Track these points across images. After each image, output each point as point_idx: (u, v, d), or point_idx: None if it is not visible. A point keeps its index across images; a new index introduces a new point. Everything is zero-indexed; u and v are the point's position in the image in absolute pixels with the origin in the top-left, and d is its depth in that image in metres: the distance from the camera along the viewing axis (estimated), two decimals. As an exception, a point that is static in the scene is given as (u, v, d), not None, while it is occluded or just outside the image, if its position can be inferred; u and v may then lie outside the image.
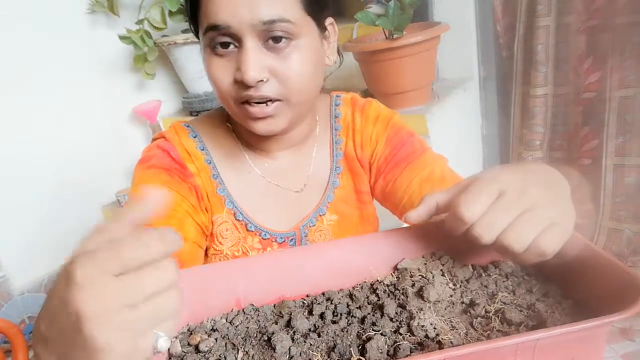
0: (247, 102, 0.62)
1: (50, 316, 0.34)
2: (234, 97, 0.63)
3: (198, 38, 0.67)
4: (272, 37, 0.60)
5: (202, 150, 0.73)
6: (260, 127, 0.64)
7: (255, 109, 0.62)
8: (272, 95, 0.61)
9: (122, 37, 1.74)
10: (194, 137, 0.74)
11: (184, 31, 1.80)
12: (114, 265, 0.32)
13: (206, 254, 0.75)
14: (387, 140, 0.76)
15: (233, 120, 0.76)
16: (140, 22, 1.74)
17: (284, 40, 0.60)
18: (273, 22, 0.59)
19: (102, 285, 0.32)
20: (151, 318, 0.33)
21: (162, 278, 0.33)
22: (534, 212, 0.42)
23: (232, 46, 0.61)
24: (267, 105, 0.62)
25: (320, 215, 0.76)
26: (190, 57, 1.79)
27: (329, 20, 0.69)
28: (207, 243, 0.74)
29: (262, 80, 0.60)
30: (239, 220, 0.73)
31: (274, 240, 0.74)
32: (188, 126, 0.75)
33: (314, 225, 0.76)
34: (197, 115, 1.84)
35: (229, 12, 0.58)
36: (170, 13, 1.71)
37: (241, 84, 0.61)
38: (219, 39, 0.60)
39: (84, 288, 0.31)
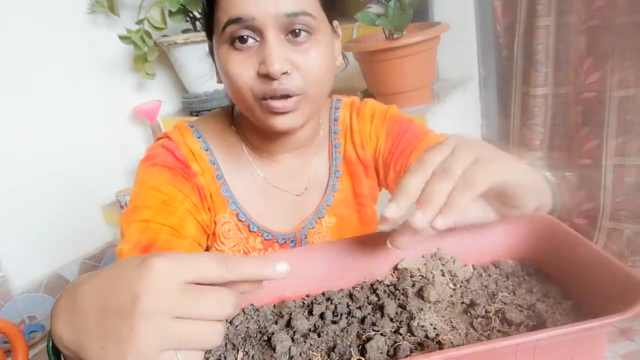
0: (268, 97, 0.62)
1: (102, 288, 0.35)
2: (254, 93, 0.62)
3: (210, 38, 0.67)
4: (293, 30, 0.60)
5: (207, 150, 0.73)
6: (280, 122, 0.63)
7: (277, 103, 0.61)
8: (294, 89, 0.61)
9: (122, 37, 1.74)
10: (198, 138, 0.74)
11: (184, 31, 1.80)
12: (187, 273, 0.34)
13: None
14: (387, 133, 0.77)
15: (238, 123, 0.76)
16: (140, 22, 1.74)
17: (303, 34, 0.61)
18: (296, 14, 0.59)
19: (168, 285, 0.33)
20: (186, 338, 0.33)
21: (217, 308, 0.34)
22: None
23: (251, 40, 0.61)
24: (287, 99, 0.62)
25: (320, 218, 0.76)
26: (190, 57, 1.79)
27: (335, 23, 0.69)
28: (209, 243, 0.75)
29: (286, 73, 0.60)
30: (241, 221, 0.73)
31: (275, 241, 0.75)
32: (192, 126, 0.75)
33: (313, 228, 0.76)
34: (197, 115, 1.85)
35: (252, 4, 0.58)
36: (170, 13, 1.71)
37: (264, 78, 0.60)
38: (239, 33, 0.60)
39: (152, 278, 0.33)
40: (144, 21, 1.74)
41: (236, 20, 0.59)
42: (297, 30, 0.60)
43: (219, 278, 0.35)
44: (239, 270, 0.36)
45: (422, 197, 0.41)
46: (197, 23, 1.75)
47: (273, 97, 0.61)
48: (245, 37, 0.60)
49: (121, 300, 0.33)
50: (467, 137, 0.45)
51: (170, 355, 0.33)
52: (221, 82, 0.69)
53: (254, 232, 0.74)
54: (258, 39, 0.61)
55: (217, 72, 0.69)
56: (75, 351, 0.35)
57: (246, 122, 0.72)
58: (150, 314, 0.32)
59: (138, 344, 0.32)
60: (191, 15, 1.73)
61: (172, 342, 0.33)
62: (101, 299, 0.34)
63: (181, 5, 1.67)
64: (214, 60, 0.69)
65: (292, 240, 0.76)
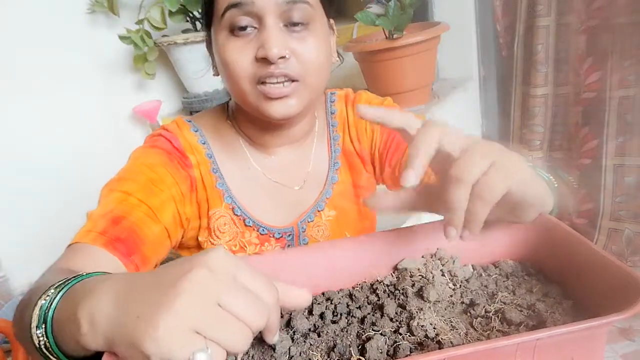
0: (264, 82, 0.62)
1: (161, 270, 0.35)
2: (251, 77, 0.63)
3: (208, 27, 0.68)
4: (291, 19, 0.62)
5: (203, 144, 0.73)
6: (276, 108, 0.64)
7: (273, 89, 0.62)
8: (292, 74, 0.62)
9: (122, 37, 1.74)
10: (195, 131, 0.74)
11: (184, 31, 1.80)
12: (243, 274, 0.35)
13: (203, 249, 0.75)
14: (382, 127, 0.77)
15: (234, 116, 0.76)
16: (140, 22, 1.74)
17: (301, 23, 0.62)
18: (295, 2, 0.61)
19: (223, 269, 0.34)
20: (219, 328, 0.32)
21: (255, 313, 0.34)
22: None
23: (250, 28, 0.62)
24: (284, 85, 0.63)
25: (319, 211, 0.77)
26: (190, 57, 1.79)
27: (331, 20, 0.70)
28: (204, 238, 0.74)
29: (283, 57, 0.61)
30: (237, 215, 0.73)
31: (271, 235, 0.75)
32: (189, 121, 0.76)
33: (312, 221, 0.76)
34: (197, 115, 1.85)
35: None
36: (170, 13, 1.71)
37: (262, 62, 0.61)
38: (238, 20, 0.61)
39: (212, 257, 0.34)
40: (144, 21, 1.74)
41: (236, 5, 0.60)
42: (295, 19, 0.61)
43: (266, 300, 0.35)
44: (277, 311, 0.37)
45: (467, 220, 0.42)
46: (197, 23, 1.75)
47: (269, 82, 0.62)
48: (244, 25, 0.61)
49: (176, 273, 0.33)
50: (481, 140, 0.43)
51: (199, 342, 0.31)
52: (218, 75, 0.70)
53: (250, 226, 0.74)
54: (257, 26, 0.62)
55: (214, 65, 0.70)
56: (108, 331, 0.34)
57: (242, 114, 0.73)
58: (198, 286, 0.32)
59: (174, 313, 0.31)
60: (191, 15, 1.73)
61: (206, 327, 0.31)
62: (157, 275, 0.34)
63: (181, 5, 1.68)
64: (210, 53, 0.70)
65: (290, 235, 0.76)
